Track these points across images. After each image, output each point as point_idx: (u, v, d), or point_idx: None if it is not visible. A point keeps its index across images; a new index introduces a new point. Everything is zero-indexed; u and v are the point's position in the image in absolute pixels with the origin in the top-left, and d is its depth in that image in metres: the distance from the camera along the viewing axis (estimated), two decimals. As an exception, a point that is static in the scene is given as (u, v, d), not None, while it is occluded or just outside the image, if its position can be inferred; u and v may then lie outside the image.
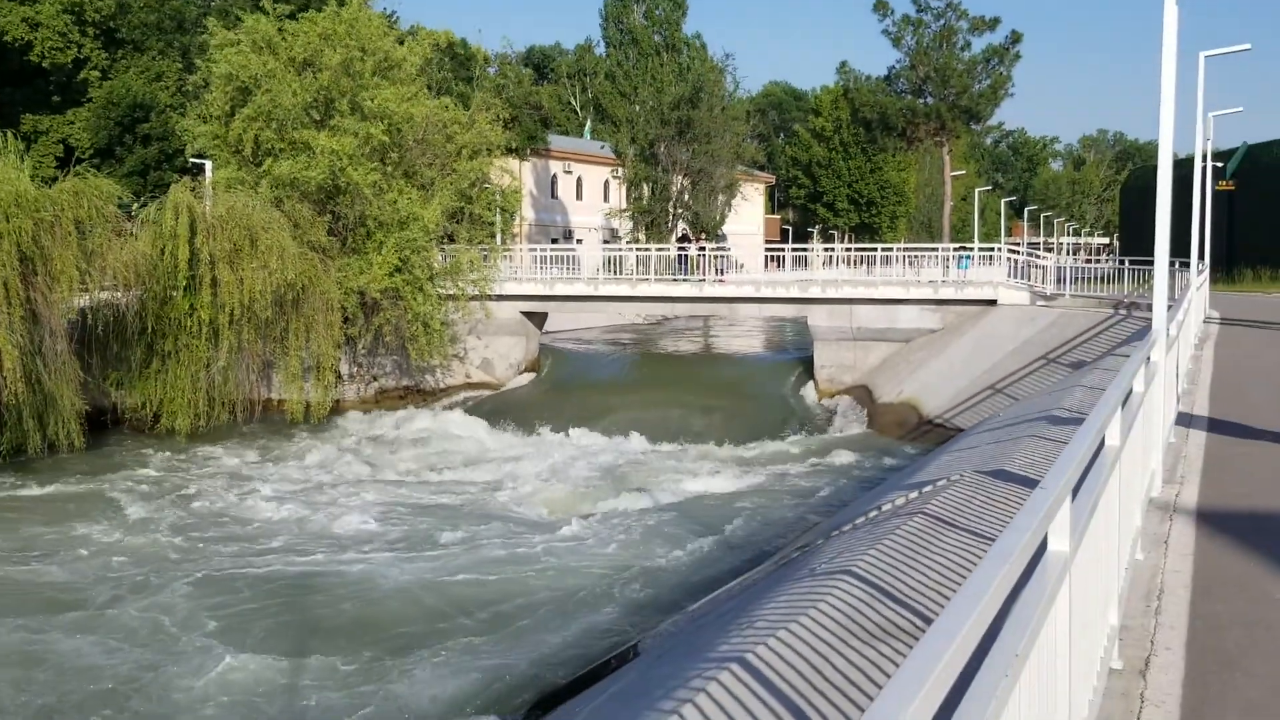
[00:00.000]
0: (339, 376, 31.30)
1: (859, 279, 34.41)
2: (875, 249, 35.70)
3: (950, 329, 30.61)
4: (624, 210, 54.73)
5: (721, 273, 36.84)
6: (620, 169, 55.49)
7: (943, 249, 34.88)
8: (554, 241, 66.03)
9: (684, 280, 34.89)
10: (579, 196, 73.54)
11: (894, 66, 65.15)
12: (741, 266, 46.29)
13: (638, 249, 38.55)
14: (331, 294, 28.80)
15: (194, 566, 16.64)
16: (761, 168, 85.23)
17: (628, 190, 54.99)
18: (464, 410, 31.53)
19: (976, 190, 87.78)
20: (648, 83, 50.99)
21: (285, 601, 14.93)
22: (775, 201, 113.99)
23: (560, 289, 34.44)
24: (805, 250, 43.64)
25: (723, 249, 38.92)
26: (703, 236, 48.34)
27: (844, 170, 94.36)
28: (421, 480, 23.33)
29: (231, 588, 15.50)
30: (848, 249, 39.86)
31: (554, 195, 71.87)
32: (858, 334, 31.65)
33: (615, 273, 37.04)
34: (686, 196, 52.02)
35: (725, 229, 55.09)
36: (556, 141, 70.60)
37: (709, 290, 33.75)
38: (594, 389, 32.08)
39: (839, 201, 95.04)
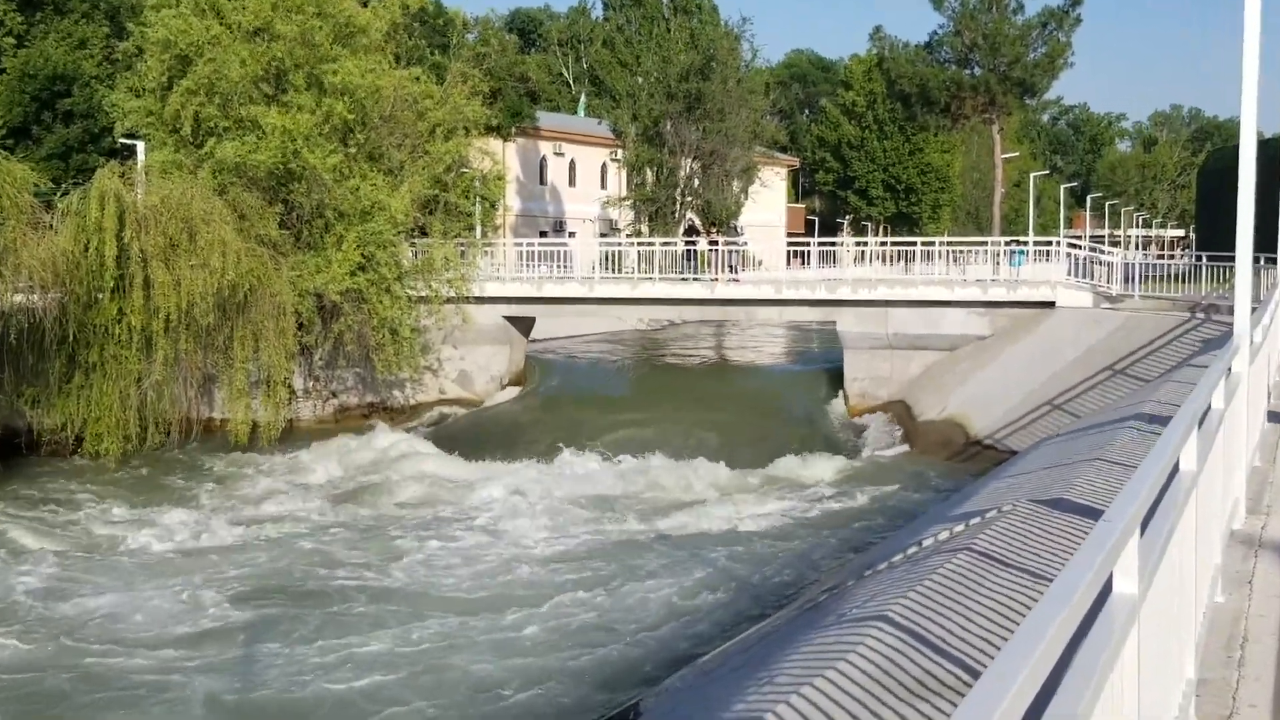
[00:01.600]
0: (292, 392, 31.29)
1: (896, 277, 34.41)
2: (914, 243, 35.72)
3: (1001, 335, 30.61)
4: (624, 198, 54.72)
5: (736, 270, 36.84)
6: (620, 150, 55.52)
7: (992, 243, 34.89)
8: (543, 235, 65.99)
9: (693, 279, 34.85)
10: (572, 182, 73.56)
11: (936, 32, 65.27)
12: (760, 263, 46.40)
13: (640, 243, 38.59)
14: (284, 296, 28.82)
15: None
16: (783, 149, 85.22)
17: (628, 175, 54.96)
18: (437, 431, 31.50)
19: (1032, 175, 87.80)
20: (652, 51, 51.08)
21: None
22: (799, 188, 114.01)
23: (550, 290, 34.47)
24: (834, 244, 43.66)
25: (737, 243, 38.98)
26: (715, 229, 48.37)
27: (878, 152, 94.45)
28: (374, 520, 23.00)
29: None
30: (883, 243, 39.93)
31: (543, 181, 71.91)
32: (894, 341, 31.64)
33: (614, 271, 37.04)
34: (696, 182, 52.01)
35: (741, 220, 55.12)
36: (546, 119, 70.71)
37: (722, 291, 33.75)
38: (588, 405, 32.05)
39: (873, 188, 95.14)
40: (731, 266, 36.69)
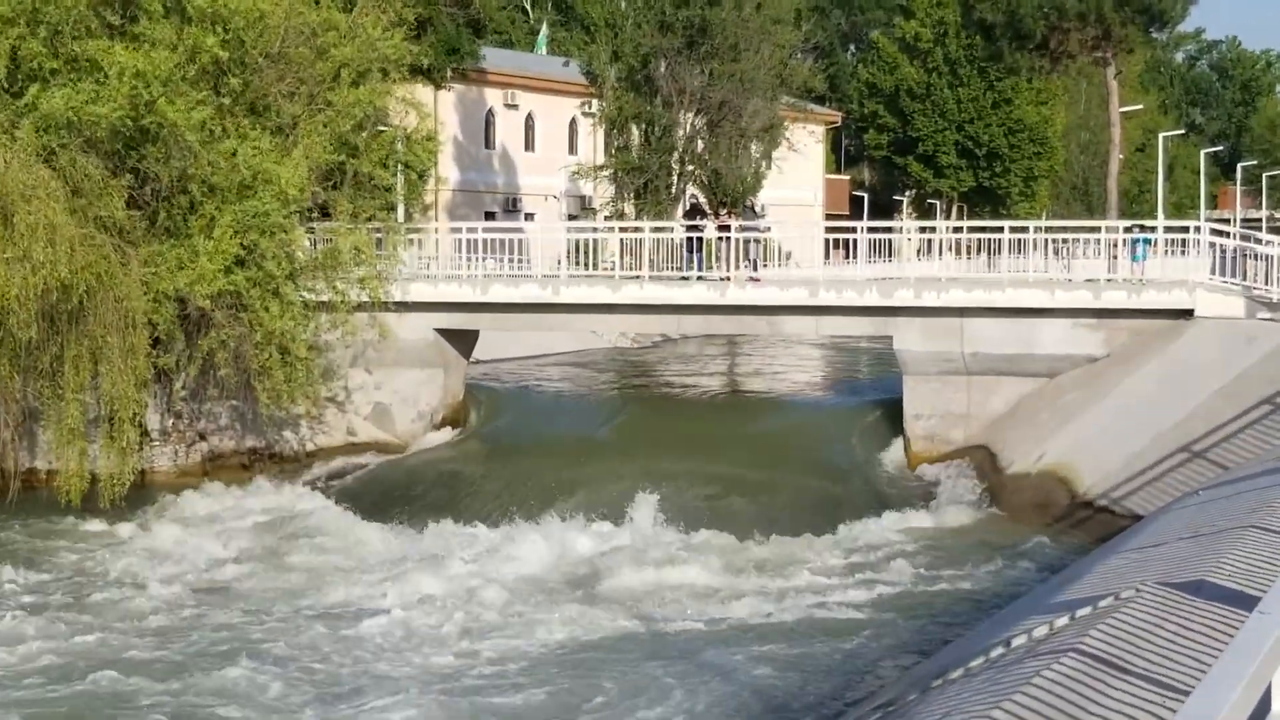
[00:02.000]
0: (145, 433, 31.18)
1: (975, 276, 34.44)
2: (1001, 229, 35.82)
3: (1120, 356, 30.64)
4: (601, 167, 54.71)
5: (756, 266, 36.83)
6: (595, 101, 55.52)
7: (1108, 228, 34.95)
8: (489, 217, 65.94)
9: (696, 279, 34.82)
10: (529, 145, 73.54)
11: (1029, -61, 65.46)
12: (788, 256, 46.31)
13: (623, 229, 38.54)
14: (133, 301, 28.74)
15: None
16: (820, 100, 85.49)
17: (607, 135, 54.94)
18: (342, 487, 31.40)
19: (1161, 136, 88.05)
20: (640, -35, 51.22)
21: None
22: (842, 154, 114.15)
23: (499, 293, 34.46)
24: (889, 230, 43.76)
25: (757, 229, 39.01)
26: (726, 210, 48.39)
27: (950, 104, 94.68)
28: (245, 615, 22.57)
29: None
30: (957, 228, 40.02)
31: (489, 143, 71.89)
32: (972, 364, 31.63)
33: (587, 267, 37.01)
34: (700, 145, 52.03)
35: (762, 197, 55.17)
36: (494, 58, 70.75)
37: (735, 295, 33.75)
38: (551, 453, 31.99)
39: (943, 153, 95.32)
40: (750, 260, 36.69)
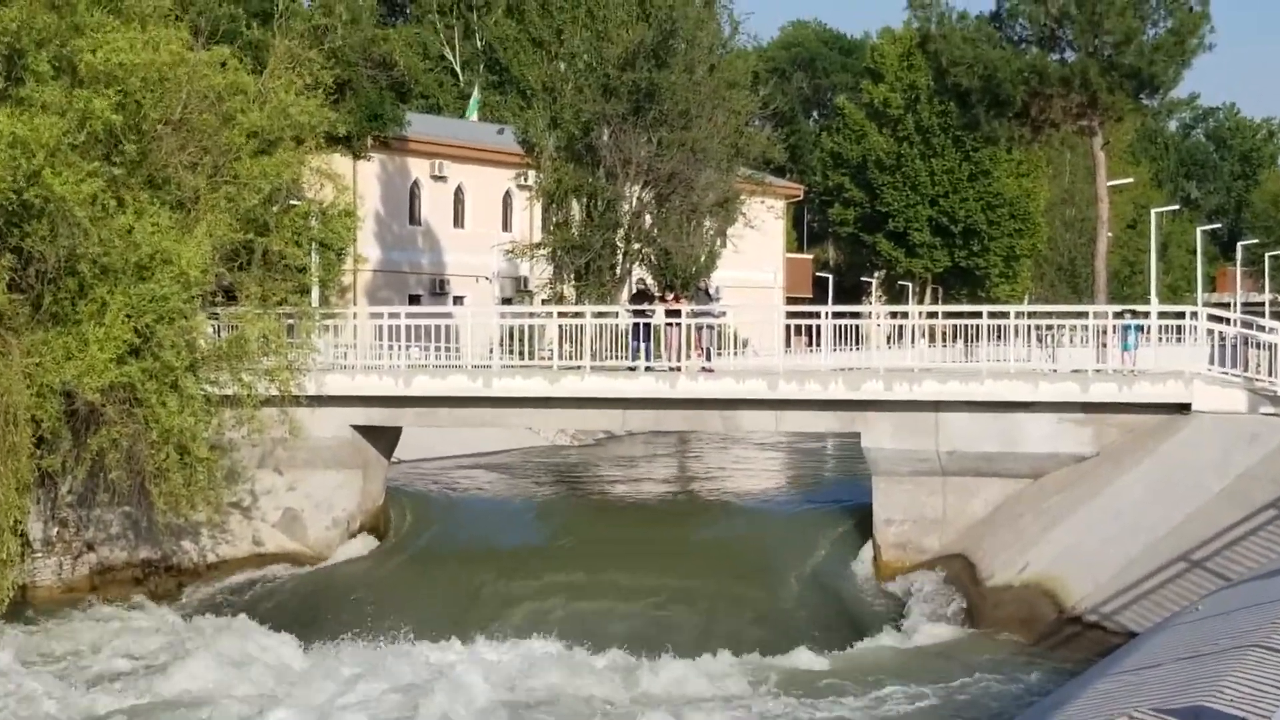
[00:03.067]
0: (27, 543, 30.87)
1: (951, 366, 34.59)
2: (979, 314, 36.00)
3: (1110, 455, 30.74)
4: (538, 245, 54.85)
5: (709, 355, 36.88)
6: (532, 172, 55.74)
7: (1096, 314, 35.16)
8: (414, 300, 65.96)
9: (644, 370, 34.82)
10: (458, 221, 73.69)
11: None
12: (745, 344, 46.46)
13: (562, 313, 38.55)
14: (15, 396, 28.54)
15: None
16: (780, 171, 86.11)
17: (545, 210, 55.15)
18: (243, 606, 31.01)
19: (1154, 211, 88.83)
20: (582, 23, 51.50)
21: None
22: (805, 230, 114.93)
23: (424, 386, 34.39)
24: (857, 315, 43.90)
25: (711, 313, 39.13)
26: (675, 294, 48.54)
27: (923, 176, 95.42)
28: None
29: None
30: (931, 314, 40.20)
31: (415, 218, 71.99)
32: (949, 463, 31.70)
33: (522, 356, 37.00)
34: (648, 221, 52.22)
35: (716, 279, 55.37)
36: (420, 124, 71.02)
37: (687, 387, 33.76)
38: (482, 565, 31.86)
39: (915, 230, 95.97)
40: (703, 349, 36.74)
